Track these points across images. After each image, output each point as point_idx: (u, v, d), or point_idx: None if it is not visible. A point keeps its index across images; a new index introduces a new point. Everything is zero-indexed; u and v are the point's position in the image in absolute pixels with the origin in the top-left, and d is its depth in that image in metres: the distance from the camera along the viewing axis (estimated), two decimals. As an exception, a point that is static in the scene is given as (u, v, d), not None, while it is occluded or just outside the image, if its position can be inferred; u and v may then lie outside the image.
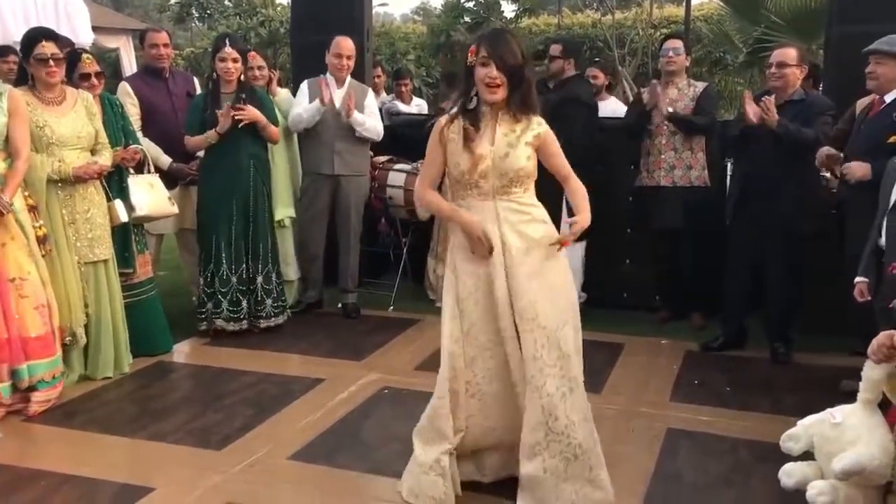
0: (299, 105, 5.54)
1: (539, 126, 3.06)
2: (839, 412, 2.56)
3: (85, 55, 4.70)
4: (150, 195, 4.75)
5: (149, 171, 4.86)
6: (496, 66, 2.90)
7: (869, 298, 3.58)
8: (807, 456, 2.70)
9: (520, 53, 2.93)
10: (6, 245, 3.92)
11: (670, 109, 5.20)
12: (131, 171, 4.74)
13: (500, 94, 2.95)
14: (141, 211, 4.69)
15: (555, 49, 5.54)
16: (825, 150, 4.38)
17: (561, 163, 3.15)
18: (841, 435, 2.49)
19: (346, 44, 5.51)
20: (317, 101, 5.43)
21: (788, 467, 2.67)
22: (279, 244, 5.49)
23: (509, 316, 3.00)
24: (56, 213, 4.25)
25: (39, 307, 4.03)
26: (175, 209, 4.97)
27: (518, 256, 3.00)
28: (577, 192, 3.13)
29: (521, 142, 3.00)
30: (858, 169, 4.04)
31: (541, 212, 3.10)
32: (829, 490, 2.47)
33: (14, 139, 3.97)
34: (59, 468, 3.46)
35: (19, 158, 3.97)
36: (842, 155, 4.31)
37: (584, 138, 5.22)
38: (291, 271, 5.78)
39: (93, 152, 4.42)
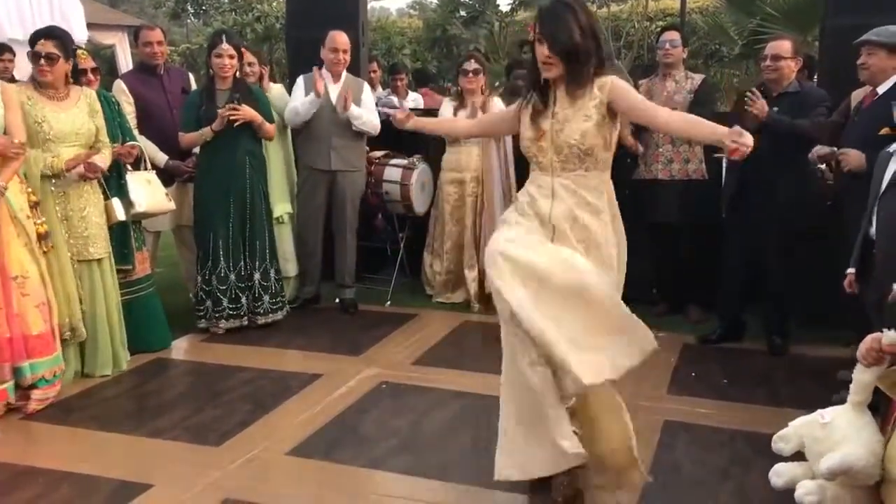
0: (295, 100, 5.53)
1: (600, 91, 2.88)
2: (829, 413, 2.58)
3: (80, 51, 4.69)
4: (148, 192, 4.75)
5: (146, 169, 4.86)
6: (548, 45, 2.83)
7: (854, 291, 3.60)
8: (799, 457, 2.71)
9: (576, 28, 2.81)
10: (9, 243, 3.92)
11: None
12: (129, 167, 4.74)
13: (555, 71, 2.87)
14: (140, 207, 4.68)
15: None
16: (817, 149, 4.37)
17: (643, 108, 2.93)
18: (829, 435, 2.51)
19: (340, 38, 5.49)
20: (312, 94, 5.42)
21: (779, 467, 2.69)
22: (278, 240, 5.49)
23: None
24: (49, 209, 4.24)
25: (40, 305, 4.03)
26: (172, 205, 4.97)
27: (562, 240, 2.90)
28: (686, 120, 2.95)
29: (579, 115, 2.88)
30: (855, 158, 4.02)
31: (602, 203, 2.94)
32: (817, 490, 2.49)
33: (9, 126, 3.96)
34: (57, 465, 3.46)
35: None
36: (836, 150, 4.31)
37: None
38: (291, 267, 5.77)
39: (93, 150, 4.40)
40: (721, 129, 2.71)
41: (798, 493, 2.52)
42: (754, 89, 4.60)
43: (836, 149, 4.29)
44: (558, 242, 2.90)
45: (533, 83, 3.01)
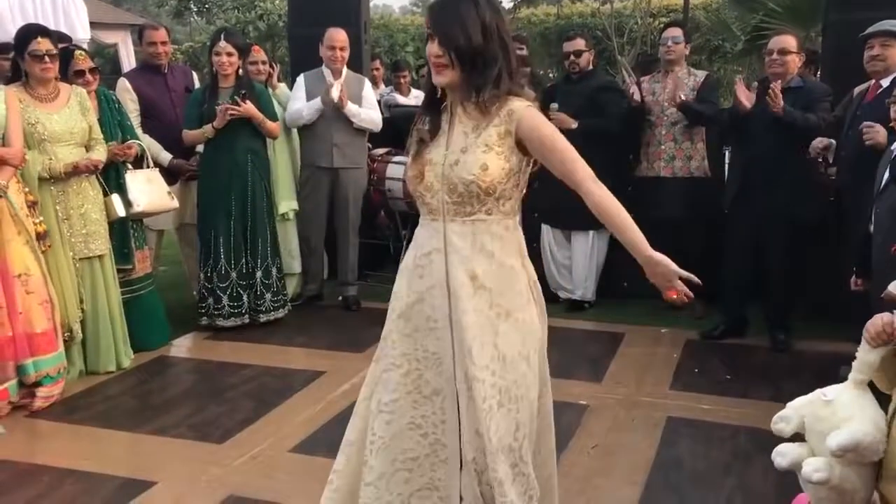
0: (297, 100, 5.53)
1: (510, 117, 2.20)
2: (831, 391, 2.56)
3: (78, 52, 4.66)
4: (147, 191, 4.73)
5: (148, 167, 4.86)
6: (438, 41, 2.18)
7: (860, 288, 3.59)
8: (797, 438, 2.70)
9: (476, 24, 2.16)
10: (11, 242, 3.93)
11: (683, 96, 5.17)
12: (129, 166, 4.74)
13: (448, 75, 2.20)
14: (138, 207, 4.68)
15: (580, 43, 5.51)
16: (817, 141, 4.37)
17: (561, 159, 2.20)
18: (834, 413, 2.49)
19: (338, 35, 5.49)
20: (318, 100, 5.42)
21: (782, 448, 2.66)
22: (283, 237, 5.50)
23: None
24: (49, 209, 4.25)
25: (44, 303, 4.05)
26: (175, 203, 4.95)
27: (465, 301, 2.24)
28: (609, 208, 2.23)
29: (479, 143, 2.21)
30: (881, 134, 3.86)
31: (511, 249, 2.29)
32: (825, 467, 2.46)
33: (10, 130, 3.98)
34: (61, 463, 3.48)
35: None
36: (833, 142, 4.30)
37: (622, 127, 5.28)
38: (296, 264, 5.78)
39: (87, 148, 4.41)
40: (645, 251, 2.28)
41: (806, 470, 2.49)
42: (777, 83, 4.59)
43: (833, 141, 4.29)
44: (456, 319, 2.26)
45: (426, 98, 2.36)
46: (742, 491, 3.22)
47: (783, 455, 2.63)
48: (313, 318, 5.58)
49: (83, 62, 4.58)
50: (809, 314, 4.99)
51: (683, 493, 3.21)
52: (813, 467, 2.48)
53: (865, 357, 2.52)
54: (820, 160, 4.48)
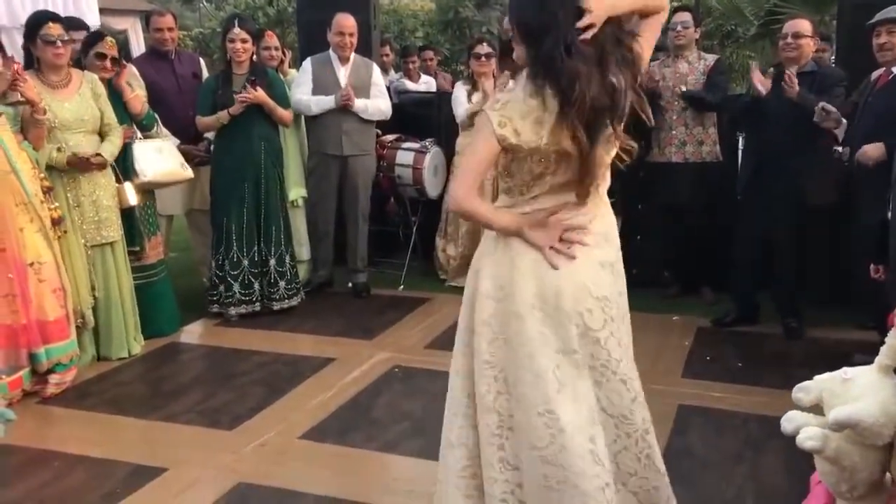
0: (302, 85, 5.47)
1: None
2: (853, 370, 2.54)
3: (108, 38, 4.64)
4: (156, 160, 4.66)
5: (159, 136, 4.82)
6: None
7: (881, 277, 3.55)
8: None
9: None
10: (24, 229, 3.93)
11: (683, 88, 5.14)
12: (139, 135, 4.70)
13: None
14: (144, 177, 4.60)
15: None
16: (823, 104, 4.29)
17: None
18: (847, 391, 2.46)
19: (346, 21, 5.45)
20: (331, 99, 5.38)
21: (791, 414, 2.64)
22: (292, 224, 5.49)
23: None
24: (61, 196, 4.25)
25: (56, 290, 4.05)
26: (189, 173, 4.86)
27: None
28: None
29: None
30: (874, 150, 3.94)
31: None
32: (819, 437, 2.44)
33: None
34: (72, 449, 3.49)
35: None
36: (845, 121, 4.24)
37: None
38: (304, 251, 5.78)
39: (101, 135, 4.41)
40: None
41: (800, 437, 2.47)
42: (792, 70, 4.54)
43: (844, 121, 4.23)
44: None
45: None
46: (754, 479, 3.21)
47: (790, 421, 2.61)
48: (323, 304, 5.58)
49: (110, 48, 4.55)
50: (822, 301, 4.95)
51: (695, 480, 3.19)
52: (806, 435, 2.47)
53: (894, 342, 2.50)
54: (839, 148, 4.40)
